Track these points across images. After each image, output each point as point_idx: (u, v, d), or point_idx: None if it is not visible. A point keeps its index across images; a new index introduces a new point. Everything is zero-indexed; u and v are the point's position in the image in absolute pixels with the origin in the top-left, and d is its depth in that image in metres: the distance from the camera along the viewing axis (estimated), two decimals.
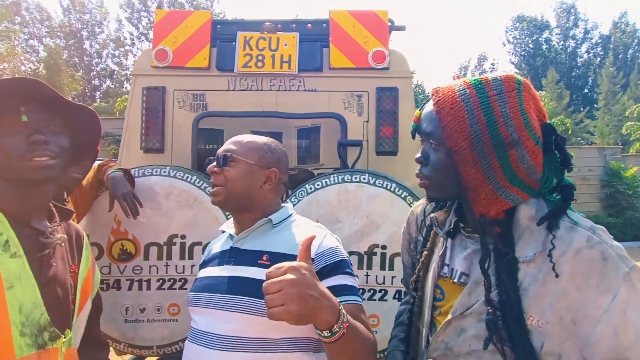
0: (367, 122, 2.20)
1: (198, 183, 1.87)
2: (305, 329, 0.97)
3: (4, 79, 0.87)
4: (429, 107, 0.86)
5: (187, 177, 1.87)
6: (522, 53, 25.81)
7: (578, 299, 0.75)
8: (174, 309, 1.81)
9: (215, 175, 1.12)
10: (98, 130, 1.05)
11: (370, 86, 2.20)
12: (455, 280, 0.90)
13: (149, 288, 1.81)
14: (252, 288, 1.01)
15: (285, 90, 2.23)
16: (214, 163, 1.13)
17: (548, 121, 0.83)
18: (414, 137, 0.92)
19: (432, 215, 0.98)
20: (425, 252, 0.99)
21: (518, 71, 25.68)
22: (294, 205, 1.80)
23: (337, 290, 0.99)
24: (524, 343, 0.77)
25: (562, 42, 25.80)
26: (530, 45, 25.66)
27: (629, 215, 10.13)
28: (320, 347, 0.99)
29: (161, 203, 1.83)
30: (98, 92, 23.54)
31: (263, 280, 0.85)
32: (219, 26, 2.28)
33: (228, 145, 1.16)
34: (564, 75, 23.34)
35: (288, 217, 1.17)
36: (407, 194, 1.78)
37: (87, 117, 1.01)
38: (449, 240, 0.93)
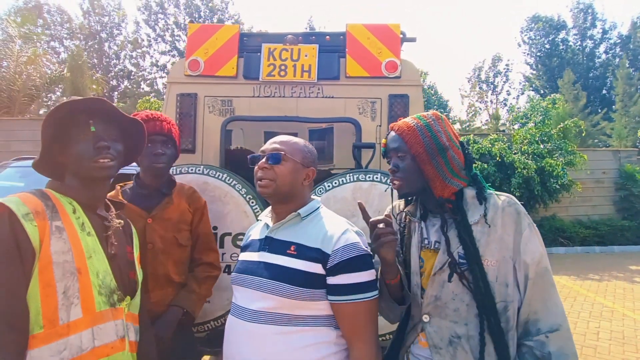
0: (380, 126, 2.40)
1: (228, 180, 2.10)
2: (326, 308, 1.18)
3: (77, 99, 1.11)
4: (392, 134, 1.31)
5: (219, 174, 2.10)
6: (538, 54, 25.52)
7: (509, 241, 1.19)
8: None
9: (265, 170, 1.25)
10: (144, 137, 1.29)
11: (383, 93, 2.40)
12: (431, 248, 1.27)
13: None
14: (282, 274, 1.17)
15: (305, 97, 2.44)
16: (264, 160, 1.26)
17: (460, 139, 1.34)
18: (384, 157, 1.35)
19: (405, 209, 1.38)
20: (406, 235, 1.34)
21: (534, 72, 25.44)
22: None
23: (348, 288, 1.15)
24: (482, 278, 1.17)
25: (579, 43, 25.46)
26: (546, 46, 25.36)
27: None
28: (337, 324, 1.20)
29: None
30: (116, 93, 24.13)
31: (293, 269, 1.18)
32: (245, 38, 2.51)
33: (275, 144, 1.29)
34: (580, 76, 23.03)
35: (316, 209, 1.30)
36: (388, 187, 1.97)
37: (136, 127, 1.26)
38: (422, 222, 1.31)
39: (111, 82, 24.11)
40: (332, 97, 2.43)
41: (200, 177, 2.09)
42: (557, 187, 8.62)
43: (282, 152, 1.27)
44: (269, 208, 1.37)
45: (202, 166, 2.13)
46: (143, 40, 24.61)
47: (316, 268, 1.16)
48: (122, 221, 1.24)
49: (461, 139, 1.35)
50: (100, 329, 1.04)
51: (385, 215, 1.22)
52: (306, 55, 2.41)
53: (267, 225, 1.33)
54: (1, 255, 0.92)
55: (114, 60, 24.56)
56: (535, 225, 1.23)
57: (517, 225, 1.20)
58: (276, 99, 2.45)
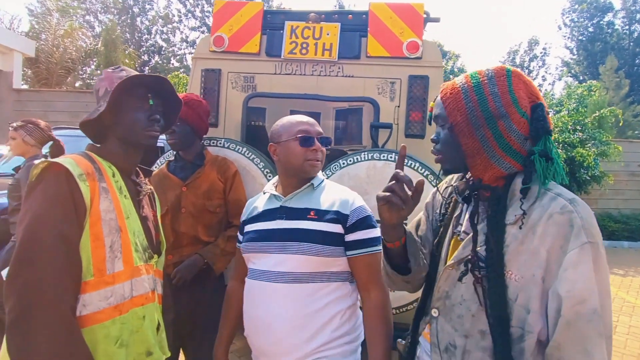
0: (399, 107, 2.42)
1: (247, 154, 2.18)
2: (343, 264, 1.33)
3: (150, 75, 1.23)
4: (437, 98, 1.07)
5: (239, 148, 2.19)
6: (580, 37, 24.15)
7: (546, 259, 0.88)
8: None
9: (321, 153, 1.40)
10: (177, 116, 1.40)
11: (403, 74, 2.40)
12: (459, 237, 1.07)
13: None
14: (305, 235, 1.30)
15: (325, 76, 2.48)
16: (318, 144, 1.38)
17: (541, 101, 0.99)
18: (430, 123, 1.15)
19: (454, 184, 1.15)
20: (447, 216, 1.15)
21: (574, 57, 24.16)
22: (328, 177, 2.08)
23: (364, 242, 1.32)
24: (498, 293, 0.92)
25: (626, 27, 23.88)
26: (590, 29, 23.93)
27: None
28: (353, 279, 1.36)
29: None
30: (147, 68, 24.59)
31: (315, 230, 1.29)
32: (269, 16, 2.55)
33: (317, 127, 1.42)
34: (625, 63, 21.70)
35: (322, 181, 1.45)
36: (428, 173, 2.00)
37: (177, 106, 1.37)
38: (465, 204, 1.10)
39: (142, 57, 24.53)
40: (352, 77, 2.45)
41: (221, 150, 2.18)
42: (587, 178, 8.31)
43: (328, 136, 1.44)
44: (272, 182, 1.49)
45: (222, 139, 2.22)
46: (174, 15, 24.79)
47: (336, 228, 1.31)
48: (151, 187, 1.34)
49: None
50: (137, 281, 1.15)
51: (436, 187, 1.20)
52: (328, 34, 2.43)
53: (275, 197, 1.43)
54: (62, 210, 1.01)
55: (146, 36, 24.91)
56: (599, 247, 0.88)
57: (565, 240, 0.87)
58: (297, 77, 2.50)
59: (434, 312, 1.06)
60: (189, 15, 24.61)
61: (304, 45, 2.45)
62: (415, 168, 2.01)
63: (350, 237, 1.32)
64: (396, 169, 1.02)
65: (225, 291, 1.54)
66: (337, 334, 1.29)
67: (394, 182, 1.00)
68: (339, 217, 1.32)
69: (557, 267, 0.87)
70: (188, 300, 1.85)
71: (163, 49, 24.70)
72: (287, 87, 2.50)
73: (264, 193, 1.47)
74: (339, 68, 2.46)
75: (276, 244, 1.33)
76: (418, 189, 1.00)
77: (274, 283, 1.30)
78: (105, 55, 13.05)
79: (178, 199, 1.92)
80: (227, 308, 1.53)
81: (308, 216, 1.33)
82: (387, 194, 0.99)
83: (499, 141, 0.96)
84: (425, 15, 2.42)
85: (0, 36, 9.91)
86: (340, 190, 1.41)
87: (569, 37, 24.72)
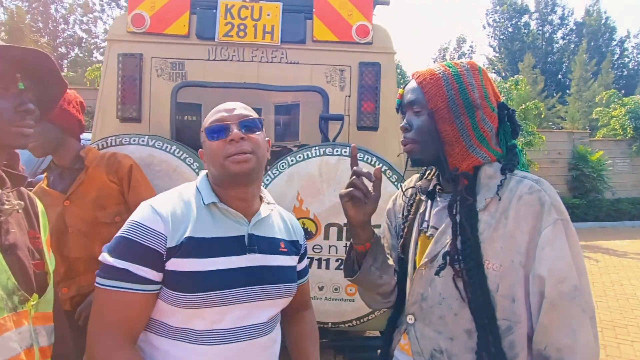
0: (349, 96, 2.21)
1: (178, 153, 1.85)
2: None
3: (9, 45, 0.85)
4: (412, 83, 1.05)
5: (167, 146, 1.85)
6: (501, 37, 26.05)
7: (522, 241, 0.88)
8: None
9: (242, 142, 0.99)
10: (57, 102, 1.04)
11: (353, 61, 2.19)
12: (427, 233, 1.04)
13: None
14: (286, 275, 1.08)
15: (267, 62, 2.20)
16: (236, 131, 0.99)
17: (501, 100, 1.06)
18: (398, 112, 1.10)
19: (417, 183, 1.15)
20: (410, 216, 1.12)
21: (496, 54, 25.99)
22: (275, 177, 1.82)
23: (307, 269, 1.24)
24: (480, 283, 0.89)
25: (540, 27, 26.16)
26: (509, 29, 25.90)
27: (592, 197, 10.66)
28: None
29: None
30: (65, 61, 22.33)
31: (289, 267, 1.09)
32: None
33: (242, 110, 1.05)
34: (539, 60, 23.78)
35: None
36: (387, 168, 1.82)
37: (59, 89, 1.00)
38: (429, 201, 1.09)
39: (60, 49, 22.25)
40: (297, 63, 2.20)
41: (145, 149, 1.83)
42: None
43: (260, 118, 1.06)
44: (204, 187, 1.05)
45: (146, 136, 1.86)
46: (95, 4, 22.77)
47: (295, 260, 1.15)
48: (21, 202, 0.96)
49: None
50: None
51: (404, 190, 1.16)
52: (268, 15, 2.15)
53: (225, 214, 1.02)
54: None
55: (62, 25, 22.62)
56: (570, 223, 0.89)
57: (537, 220, 0.88)
58: (234, 63, 2.19)
59: (410, 319, 1.01)
60: (112, 4, 22.71)
61: (242, 27, 2.14)
62: (372, 163, 1.82)
63: (299, 267, 1.18)
64: (352, 168, 1.01)
65: None
66: None
67: (354, 177, 1.00)
68: (296, 248, 1.15)
69: (534, 247, 0.87)
70: None
71: (84, 40, 22.56)
72: (224, 75, 2.18)
73: (206, 204, 1.01)
74: (282, 54, 2.20)
75: (252, 289, 0.99)
76: (377, 177, 1.00)
77: (260, 337, 1.01)
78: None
79: (61, 217, 1.55)
80: None
81: (280, 249, 1.08)
82: (350, 189, 0.99)
83: (475, 131, 0.99)
84: None
85: None
86: (284, 212, 1.21)
87: (492, 36, 26.61)
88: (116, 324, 0.91)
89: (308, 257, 1.78)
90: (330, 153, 1.83)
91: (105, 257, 0.93)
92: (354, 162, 1.03)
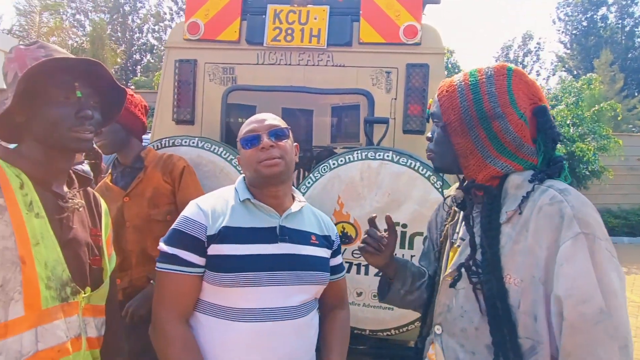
0: (395, 99, 2.16)
1: (225, 154, 1.92)
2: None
3: (64, 56, 0.94)
4: (436, 95, 1.04)
5: (215, 148, 1.93)
6: (574, 32, 24.03)
7: (542, 256, 0.81)
8: None
9: (272, 149, 1.15)
10: (120, 108, 1.12)
11: (400, 62, 2.14)
12: (456, 245, 1.03)
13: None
14: (317, 264, 1.19)
15: (313, 65, 2.21)
16: (266, 140, 1.15)
17: (543, 104, 0.95)
18: (427, 121, 1.18)
19: (452, 193, 1.11)
20: (446, 226, 1.12)
21: (568, 51, 24.04)
22: (316, 180, 1.83)
23: (341, 266, 1.35)
24: (499, 298, 0.84)
25: (619, 21, 23.77)
26: (584, 23, 23.81)
27: None
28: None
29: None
30: (139, 67, 24.22)
31: (319, 257, 1.20)
32: None
33: (272, 121, 1.20)
34: (618, 57, 21.60)
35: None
36: (430, 173, 1.75)
37: (118, 96, 1.08)
38: (461, 211, 1.06)
39: (134, 55, 24.16)
40: (343, 66, 2.19)
41: (194, 150, 1.92)
42: (587, 173, 8.14)
43: (286, 127, 1.22)
44: (241, 187, 1.21)
45: (196, 138, 1.96)
46: (165, 13, 24.47)
47: (328, 253, 1.25)
48: (82, 201, 1.06)
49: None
50: (45, 330, 0.88)
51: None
52: (315, 18, 2.17)
53: (260, 209, 1.18)
54: None
55: (137, 34, 24.55)
56: (597, 239, 0.79)
57: (557, 233, 0.80)
58: (282, 67, 2.23)
59: (437, 329, 1.00)
60: (181, 13, 24.24)
61: (289, 32, 2.18)
62: (416, 168, 1.76)
63: (332, 262, 1.29)
64: (369, 226, 1.18)
65: (166, 338, 1.08)
66: None
67: (366, 236, 1.16)
68: (328, 243, 1.27)
69: (552, 263, 0.80)
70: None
71: (155, 47, 24.31)
72: (271, 79, 2.23)
73: (242, 200, 1.17)
74: (329, 56, 2.20)
75: (284, 274, 1.13)
76: (389, 226, 1.17)
77: (293, 319, 1.13)
78: (92, 53, 12.69)
79: (120, 211, 1.67)
80: None
81: (311, 241, 1.21)
82: (362, 245, 1.16)
83: (493, 142, 0.93)
84: None
85: None
86: (317, 211, 1.34)
87: (563, 32, 24.63)
88: (170, 300, 1.10)
89: (347, 262, 1.77)
90: (373, 157, 1.80)
91: (161, 245, 1.13)
92: (372, 223, 1.19)
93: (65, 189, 1.03)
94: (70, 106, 0.95)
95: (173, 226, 1.15)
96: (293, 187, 1.30)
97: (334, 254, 1.30)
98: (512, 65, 0.96)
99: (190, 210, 1.15)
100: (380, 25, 2.15)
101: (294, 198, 1.27)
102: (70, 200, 1.01)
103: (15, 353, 0.83)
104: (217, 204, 1.16)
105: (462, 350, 0.92)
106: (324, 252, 1.24)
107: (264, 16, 2.21)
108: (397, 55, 2.15)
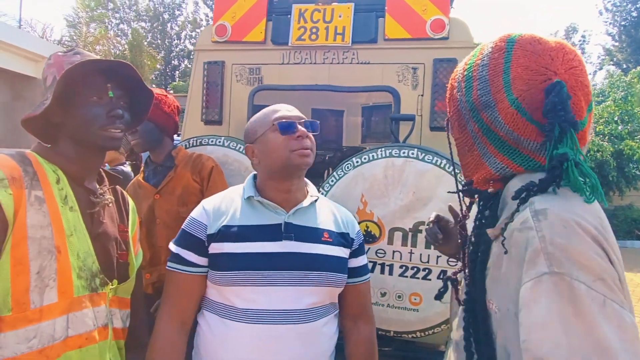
0: (422, 96, 2.11)
1: None
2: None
3: (97, 59, 1.00)
4: None
5: (240, 147, 1.96)
6: (623, 22, 22.56)
7: (513, 288, 0.64)
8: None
9: (307, 139, 1.12)
10: (147, 110, 1.16)
11: (426, 58, 2.09)
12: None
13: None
14: (329, 263, 1.11)
15: (338, 63, 2.20)
16: (302, 128, 1.11)
17: (559, 80, 0.68)
18: None
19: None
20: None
21: (616, 44, 22.61)
22: (339, 178, 1.81)
23: (363, 269, 1.24)
24: (482, 321, 0.72)
25: None
26: (634, 13, 22.31)
27: None
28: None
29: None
30: (177, 72, 25.15)
31: (332, 256, 1.11)
32: None
33: (298, 112, 1.17)
34: None
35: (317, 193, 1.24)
36: (458, 172, 1.68)
37: (146, 98, 1.13)
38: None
39: (173, 61, 25.14)
40: (369, 63, 2.17)
41: (220, 149, 1.96)
42: (637, 172, 7.63)
43: (316, 121, 1.18)
44: (249, 185, 1.17)
45: (222, 137, 2.00)
46: (202, 20, 25.27)
47: (346, 252, 1.17)
48: (112, 197, 1.11)
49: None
50: (76, 317, 0.93)
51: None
52: (340, 16, 2.15)
53: (266, 206, 1.14)
54: None
55: (176, 41, 25.52)
56: (578, 281, 0.57)
57: (521, 267, 0.63)
58: (307, 66, 2.23)
59: (453, 335, 0.90)
60: None
61: (314, 30, 2.18)
62: (442, 165, 1.71)
63: (352, 263, 1.20)
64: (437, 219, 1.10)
65: (152, 336, 1.10)
66: None
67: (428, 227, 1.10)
68: (346, 241, 1.18)
69: (518, 303, 0.62)
70: None
71: (192, 53, 25.12)
72: (296, 79, 2.24)
73: (247, 198, 1.14)
74: (354, 54, 2.18)
75: (289, 274, 1.07)
76: (453, 214, 1.09)
77: (299, 324, 1.06)
78: (131, 59, 13.36)
79: (151, 208, 1.73)
80: None
81: (322, 238, 1.13)
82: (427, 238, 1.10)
83: (488, 135, 0.76)
84: None
85: (33, 44, 10.23)
86: (336, 207, 1.26)
87: (610, 23, 23.16)
88: (169, 298, 1.11)
89: (371, 262, 1.74)
90: (397, 155, 1.76)
91: (170, 245, 1.16)
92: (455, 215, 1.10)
93: (96, 185, 1.08)
94: (103, 106, 1.00)
95: (182, 226, 1.16)
96: (306, 180, 1.23)
97: (355, 254, 1.21)
98: (519, 33, 0.75)
99: (195, 211, 1.16)
100: (406, 21, 2.10)
101: (307, 193, 1.21)
102: (101, 196, 1.06)
103: (49, 337, 0.88)
104: (222, 203, 1.15)
105: None
106: (340, 251, 1.15)
107: (289, 16, 2.23)
108: (424, 50, 2.09)
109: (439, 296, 0.97)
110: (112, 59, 1.07)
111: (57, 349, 0.88)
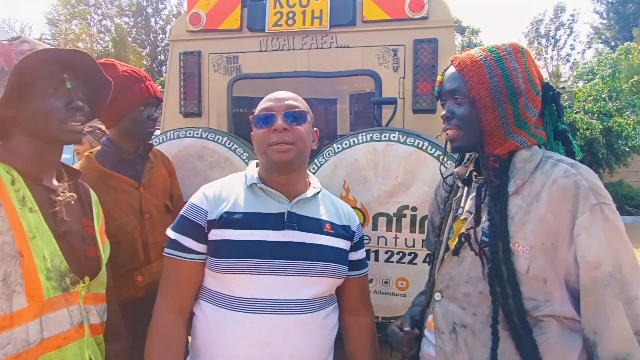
0: (404, 78, 2.07)
1: (229, 144, 1.90)
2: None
3: (52, 48, 0.95)
4: (450, 70, 1.02)
5: (219, 138, 1.91)
6: (610, 0, 22.54)
7: (554, 224, 0.87)
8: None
9: (285, 132, 1.06)
10: (105, 101, 1.11)
11: (406, 39, 2.04)
12: (462, 218, 1.05)
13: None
14: (332, 254, 1.10)
15: (317, 48, 2.15)
16: (280, 121, 1.05)
17: (545, 81, 1.01)
18: (437, 99, 1.09)
19: (454, 170, 1.13)
20: (449, 202, 1.13)
21: (604, 21, 22.60)
22: (321, 165, 1.77)
23: (363, 262, 1.23)
24: (506, 262, 0.89)
25: None
26: None
27: None
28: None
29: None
30: (164, 67, 24.74)
31: (334, 248, 1.10)
32: None
33: (291, 101, 1.10)
34: None
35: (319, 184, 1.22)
36: (440, 153, 1.66)
37: (105, 89, 1.08)
38: (466, 187, 1.09)
39: (159, 56, 24.72)
40: (348, 47, 2.12)
41: (198, 141, 1.91)
42: (627, 149, 7.68)
43: (306, 110, 1.13)
44: (251, 171, 1.15)
45: (200, 129, 1.94)
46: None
47: (347, 245, 1.16)
48: (73, 194, 1.06)
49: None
50: (49, 319, 0.91)
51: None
52: None
53: (269, 194, 1.10)
54: None
55: (161, 35, 25.06)
56: (611, 209, 0.87)
57: (573, 204, 0.85)
58: (285, 53, 2.18)
59: (437, 296, 1.03)
60: None
61: (290, 15, 2.13)
62: (424, 148, 1.67)
63: (353, 256, 1.19)
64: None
65: (154, 328, 1.06)
66: None
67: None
68: (347, 233, 1.17)
69: (569, 233, 0.86)
70: None
71: None
72: (275, 66, 2.19)
73: (250, 185, 1.11)
74: (332, 38, 2.13)
75: (292, 263, 1.04)
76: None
77: (299, 314, 1.03)
78: (115, 56, 13.10)
79: (136, 203, 1.57)
80: (163, 356, 1.03)
81: (325, 230, 1.11)
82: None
83: (515, 118, 0.97)
84: None
85: None
86: (337, 199, 1.25)
87: (598, 0, 23.12)
88: (166, 286, 1.09)
89: None
90: (378, 139, 1.72)
91: (167, 231, 1.12)
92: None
93: (56, 182, 1.03)
94: (61, 98, 0.95)
95: (180, 212, 1.13)
96: (309, 172, 1.21)
97: (355, 247, 1.19)
98: (518, 44, 1.01)
99: (195, 196, 1.12)
100: (384, 1, 2.05)
101: (309, 184, 1.18)
102: (61, 194, 1.01)
103: (23, 342, 0.86)
104: (223, 189, 1.12)
105: (464, 313, 0.96)
106: (341, 243, 1.13)
107: (264, 1, 2.17)
108: (404, 31, 2.05)
109: (455, 252, 1.00)
110: (96, 56, 1.02)
111: (33, 353, 0.87)
